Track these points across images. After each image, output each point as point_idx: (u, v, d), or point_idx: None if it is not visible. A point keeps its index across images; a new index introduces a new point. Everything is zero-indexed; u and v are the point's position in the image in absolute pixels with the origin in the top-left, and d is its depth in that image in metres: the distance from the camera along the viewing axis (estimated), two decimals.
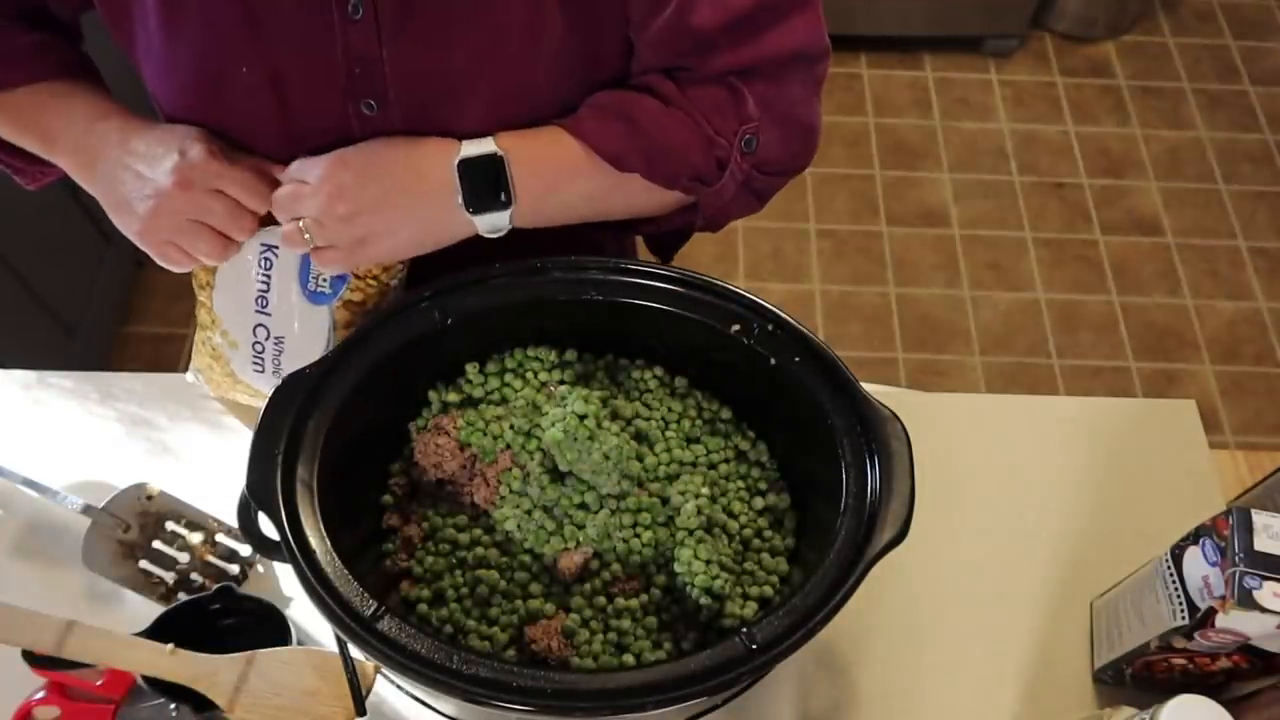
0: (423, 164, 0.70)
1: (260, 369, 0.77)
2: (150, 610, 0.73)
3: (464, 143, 0.70)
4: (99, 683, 0.69)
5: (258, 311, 0.75)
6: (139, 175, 0.70)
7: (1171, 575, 0.69)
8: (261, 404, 0.64)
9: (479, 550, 0.67)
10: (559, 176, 0.73)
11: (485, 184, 0.70)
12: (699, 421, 0.74)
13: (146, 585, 0.78)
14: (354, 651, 0.62)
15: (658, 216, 0.81)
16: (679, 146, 0.74)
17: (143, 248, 0.72)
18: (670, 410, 0.73)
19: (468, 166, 0.70)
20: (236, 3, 0.65)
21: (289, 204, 0.69)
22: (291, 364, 0.75)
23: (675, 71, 0.75)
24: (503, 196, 0.70)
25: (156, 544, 0.80)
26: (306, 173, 0.69)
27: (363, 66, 0.68)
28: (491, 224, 0.71)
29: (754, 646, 0.55)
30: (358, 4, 0.65)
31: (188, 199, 0.68)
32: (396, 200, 0.69)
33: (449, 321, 0.70)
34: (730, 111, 0.75)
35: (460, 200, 0.70)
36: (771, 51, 0.74)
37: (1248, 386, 2.01)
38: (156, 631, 0.69)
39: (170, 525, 0.81)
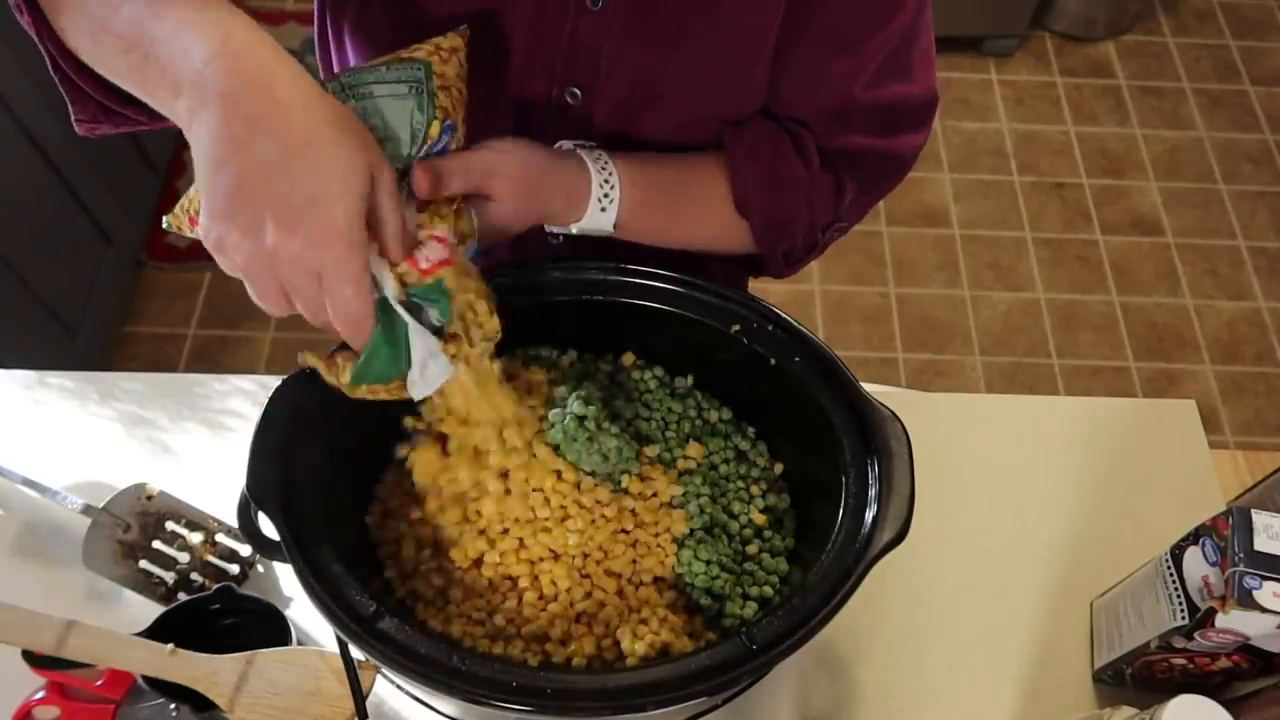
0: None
1: None
2: (150, 610, 0.73)
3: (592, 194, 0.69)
4: (99, 683, 0.69)
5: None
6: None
7: (1171, 575, 0.69)
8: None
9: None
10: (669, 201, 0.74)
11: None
12: (699, 422, 0.74)
13: (146, 585, 0.78)
14: (354, 651, 0.62)
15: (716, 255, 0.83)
16: (796, 222, 0.77)
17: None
18: (670, 411, 0.73)
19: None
20: None
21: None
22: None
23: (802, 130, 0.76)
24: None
25: (156, 544, 0.80)
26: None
27: (579, 55, 0.69)
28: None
29: (754, 646, 0.55)
30: None
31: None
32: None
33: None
34: (830, 205, 0.77)
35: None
36: (903, 149, 0.77)
37: (1248, 386, 2.01)
38: (156, 631, 0.69)
39: (170, 525, 0.81)
